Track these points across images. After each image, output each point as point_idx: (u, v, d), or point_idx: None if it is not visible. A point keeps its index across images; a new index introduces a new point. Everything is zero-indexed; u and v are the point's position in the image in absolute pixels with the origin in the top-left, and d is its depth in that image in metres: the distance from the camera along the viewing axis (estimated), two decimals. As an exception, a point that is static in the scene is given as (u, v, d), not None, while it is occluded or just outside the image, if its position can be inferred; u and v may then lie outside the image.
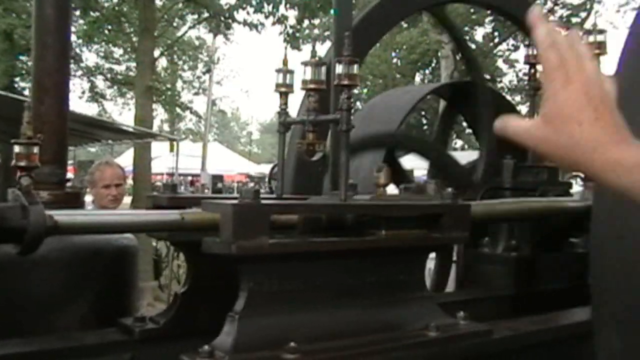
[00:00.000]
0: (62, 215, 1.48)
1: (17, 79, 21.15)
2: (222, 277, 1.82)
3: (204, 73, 33.11)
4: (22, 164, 1.54)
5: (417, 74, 29.93)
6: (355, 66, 1.81)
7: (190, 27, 23.22)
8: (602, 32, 2.84)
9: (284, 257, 1.61)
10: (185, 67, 32.14)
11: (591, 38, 2.83)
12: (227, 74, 55.36)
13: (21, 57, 20.55)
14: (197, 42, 31.32)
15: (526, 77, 3.74)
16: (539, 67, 3.12)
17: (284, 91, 2.00)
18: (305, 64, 1.92)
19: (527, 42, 3.13)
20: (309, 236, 1.64)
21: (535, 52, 3.05)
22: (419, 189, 1.98)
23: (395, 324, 1.79)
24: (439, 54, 26.41)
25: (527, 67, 3.10)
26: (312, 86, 1.91)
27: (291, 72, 2.03)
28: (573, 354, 2.20)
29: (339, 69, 1.80)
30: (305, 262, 1.66)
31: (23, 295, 1.92)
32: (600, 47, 2.82)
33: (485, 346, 1.90)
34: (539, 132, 1.10)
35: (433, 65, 28.74)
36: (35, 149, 1.56)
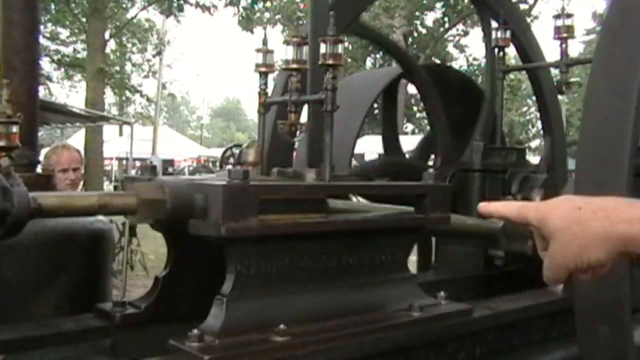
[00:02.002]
0: (45, 198, 1.43)
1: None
2: (204, 259, 1.79)
3: (154, 56, 32.60)
4: (2, 144, 1.48)
5: (369, 58, 29.99)
6: (340, 46, 1.79)
7: (141, 9, 22.80)
8: (570, 16, 2.88)
9: (271, 239, 1.59)
10: (135, 49, 31.60)
11: (559, 22, 2.88)
12: (177, 57, 54.55)
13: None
14: (147, 25, 30.79)
15: (475, 62, 3.79)
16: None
17: (263, 71, 1.98)
18: (287, 43, 1.90)
19: (495, 26, 3.16)
20: (297, 217, 1.62)
21: (503, 35, 3.08)
22: (296, 174, 1.93)
23: (380, 304, 1.79)
24: (391, 38, 26.55)
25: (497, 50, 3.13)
26: (294, 66, 1.89)
27: (271, 52, 2.01)
28: (547, 331, 2.24)
29: (323, 48, 1.78)
30: (292, 243, 1.64)
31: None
32: (569, 30, 2.87)
33: (466, 325, 1.92)
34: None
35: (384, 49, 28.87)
36: (15, 128, 1.51)
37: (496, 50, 3.11)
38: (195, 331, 1.48)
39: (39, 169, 2.36)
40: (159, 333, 1.64)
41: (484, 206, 1.32)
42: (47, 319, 1.82)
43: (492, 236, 2.53)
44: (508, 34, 3.08)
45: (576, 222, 1.11)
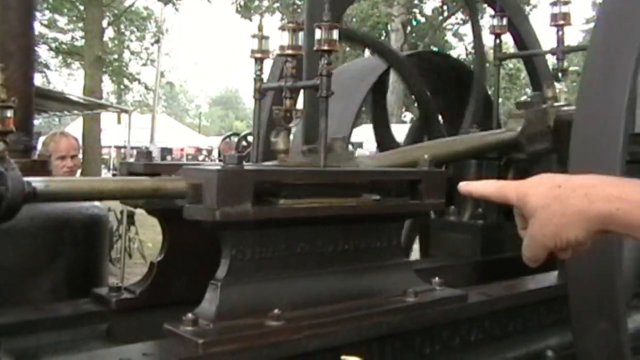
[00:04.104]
0: (39, 182, 1.43)
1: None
2: (199, 244, 1.80)
3: (152, 44, 32.51)
4: (-4, 128, 1.48)
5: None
6: (335, 31, 1.79)
7: (139, -4, 22.74)
8: (566, 3, 2.87)
9: (266, 224, 1.59)
10: (133, 37, 31.51)
11: (556, 9, 2.87)
12: (175, 45, 54.39)
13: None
14: (145, 12, 30.68)
15: (474, 51, 3.78)
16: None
17: (259, 57, 1.97)
18: (282, 28, 1.90)
19: (492, 13, 3.15)
20: (292, 202, 1.63)
21: (500, 22, 3.08)
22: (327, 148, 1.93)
23: (376, 289, 1.80)
24: (389, 27, 26.47)
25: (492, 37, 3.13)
26: (289, 52, 1.89)
27: (266, 37, 2.00)
28: (542, 317, 2.25)
29: (318, 34, 1.78)
30: (287, 229, 1.64)
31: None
32: (565, 17, 2.86)
33: (461, 311, 1.93)
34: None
35: (383, 38, 28.81)
36: (9, 113, 1.51)
37: (493, 37, 3.10)
38: (190, 315, 1.49)
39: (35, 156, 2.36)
40: (154, 318, 1.65)
41: (464, 185, 1.33)
42: (43, 304, 1.82)
43: (513, 143, 2.65)
44: (504, 21, 3.08)
45: (555, 201, 1.09)
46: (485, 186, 1.29)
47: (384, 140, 3.64)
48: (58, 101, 13.06)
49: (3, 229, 1.58)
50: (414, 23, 28.05)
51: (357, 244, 1.80)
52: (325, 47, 1.76)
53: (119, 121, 14.14)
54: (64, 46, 26.04)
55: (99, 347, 1.67)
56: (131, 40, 31.64)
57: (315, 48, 1.77)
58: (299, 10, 23.48)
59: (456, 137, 2.87)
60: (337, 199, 1.71)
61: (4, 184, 1.37)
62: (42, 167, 2.09)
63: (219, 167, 1.47)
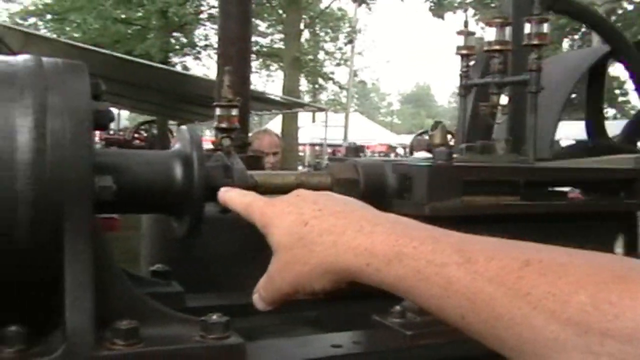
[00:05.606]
0: (261, 176, 1.53)
1: (170, 54, 22.23)
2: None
3: (345, 44, 33.31)
4: (223, 125, 1.61)
5: (565, 39, 28.48)
6: (545, 25, 1.75)
7: (333, -1, 23.41)
8: None
9: (473, 220, 1.59)
10: (327, 38, 32.48)
11: None
12: (368, 45, 55.26)
13: (174, 34, 21.55)
14: (339, 14, 31.51)
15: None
16: None
17: (465, 53, 1.97)
18: (489, 24, 1.88)
19: None
20: (498, 199, 1.61)
21: None
22: (485, 148, 1.85)
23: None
24: (592, 15, 24.98)
25: None
26: (496, 47, 1.87)
27: (472, 33, 2.00)
28: None
29: (527, 28, 1.75)
30: (493, 226, 1.62)
31: (216, 252, 2.02)
32: None
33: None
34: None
35: (583, 29, 27.27)
36: (235, 111, 1.63)
37: None
38: (398, 307, 1.52)
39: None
40: (361, 308, 1.70)
41: (224, 192, 1.17)
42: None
43: None
44: None
45: (299, 242, 0.88)
46: (237, 200, 1.11)
47: (596, 134, 3.46)
48: (259, 101, 13.83)
49: (223, 219, 1.72)
50: (620, 12, 26.28)
51: (565, 246, 1.74)
52: (535, 41, 1.72)
53: (313, 119, 14.68)
54: (264, 49, 27.44)
55: (309, 333, 1.76)
56: (326, 41, 32.64)
57: (524, 43, 1.74)
58: (492, 5, 22.92)
59: None
60: (544, 196, 1.67)
61: (230, 176, 1.49)
62: (256, 162, 2.24)
63: (429, 163, 1.50)
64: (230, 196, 1.15)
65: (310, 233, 0.88)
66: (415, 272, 0.75)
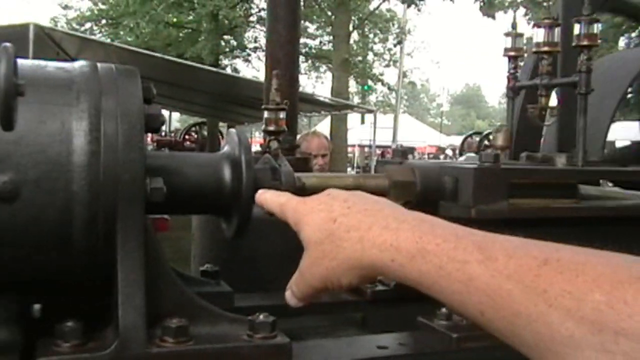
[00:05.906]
0: (308, 178, 1.55)
1: (221, 57, 22.49)
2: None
3: (394, 45, 33.18)
4: (271, 128, 1.64)
5: (622, 38, 27.82)
6: (595, 25, 1.72)
7: (383, 0, 23.34)
8: None
9: (519, 223, 1.58)
10: (376, 39, 32.41)
11: None
12: (417, 46, 54.95)
13: (224, 37, 21.81)
14: (388, 15, 31.42)
15: None
16: None
17: (513, 55, 1.96)
18: (538, 25, 1.87)
19: None
20: (546, 202, 1.60)
21: None
22: (545, 159, 1.82)
23: None
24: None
25: None
26: (545, 49, 1.85)
27: (520, 35, 1.98)
28: None
29: (577, 29, 1.73)
30: (540, 229, 1.61)
31: (264, 253, 2.05)
32: None
33: None
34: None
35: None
36: (282, 114, 1.66)
37: None
38: (444, 310, 1.52)
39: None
40: (406, 310, 1.71)
41: (260, 194, 1.21)
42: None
43: None
44: None
45: (329, 239, 0.91)
46: (272, 200, 1.16)
47: None
48: (308, 102, 13.89)
49: (271, 220, 1.75)
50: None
51: (618, 250, 1.71)
52: (585, 42, 1.70)
53: (362, 121, 14.67)
54: (312, 51, 27.55)
55: (355, 334, 1.77)
56: (375, 43, 32.58)
57: (574, 44, 1.72)
58: (544, 4, 22.56)
59: None
60: (594, 200, 1.65)
61: (278, 178, 1.51)
62: (304, 165, 2.26)
63: (475, 165, 1.50)
64: (266, 197, 1.18)
65: (338, 229, 0.91)
66: (438, 268, 0.77)
